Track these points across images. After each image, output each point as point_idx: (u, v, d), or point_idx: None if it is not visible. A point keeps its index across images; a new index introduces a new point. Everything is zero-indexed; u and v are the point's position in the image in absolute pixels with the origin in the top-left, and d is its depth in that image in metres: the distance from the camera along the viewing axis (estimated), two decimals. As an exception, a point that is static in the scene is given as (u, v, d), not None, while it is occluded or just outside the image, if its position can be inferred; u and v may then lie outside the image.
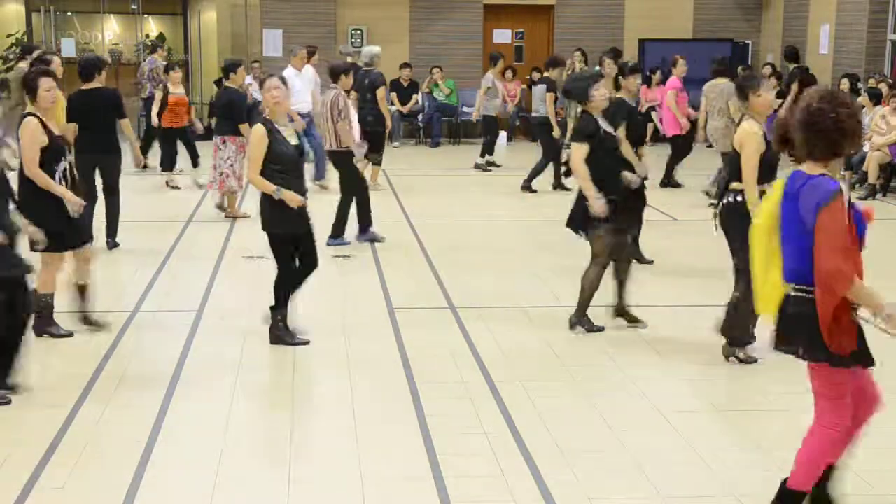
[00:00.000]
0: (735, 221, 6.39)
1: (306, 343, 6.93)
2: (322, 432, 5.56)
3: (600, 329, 7.24)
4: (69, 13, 23.64)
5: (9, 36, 22.81)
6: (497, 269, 9.22)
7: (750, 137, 6.37)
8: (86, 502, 4.72)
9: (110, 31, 24.00)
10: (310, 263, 6.99)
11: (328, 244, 9.89)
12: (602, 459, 5.21)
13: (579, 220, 7.20)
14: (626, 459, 5.20)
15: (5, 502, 4.65)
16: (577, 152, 7.05)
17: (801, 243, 4.10)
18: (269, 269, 9.21)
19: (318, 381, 6.34)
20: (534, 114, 13.86)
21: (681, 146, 13.94)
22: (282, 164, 6.71)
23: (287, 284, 6.94)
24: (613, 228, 7.10)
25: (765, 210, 4.40)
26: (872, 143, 13.51)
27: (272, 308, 6.95)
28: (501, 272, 9.11)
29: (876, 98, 13.98)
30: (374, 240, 10.19)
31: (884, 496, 4.86)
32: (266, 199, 6.78)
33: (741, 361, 6.58)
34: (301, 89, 13.22)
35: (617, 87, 9.30)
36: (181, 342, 7.00)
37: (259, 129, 6.73)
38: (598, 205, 6.96)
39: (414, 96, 18.21)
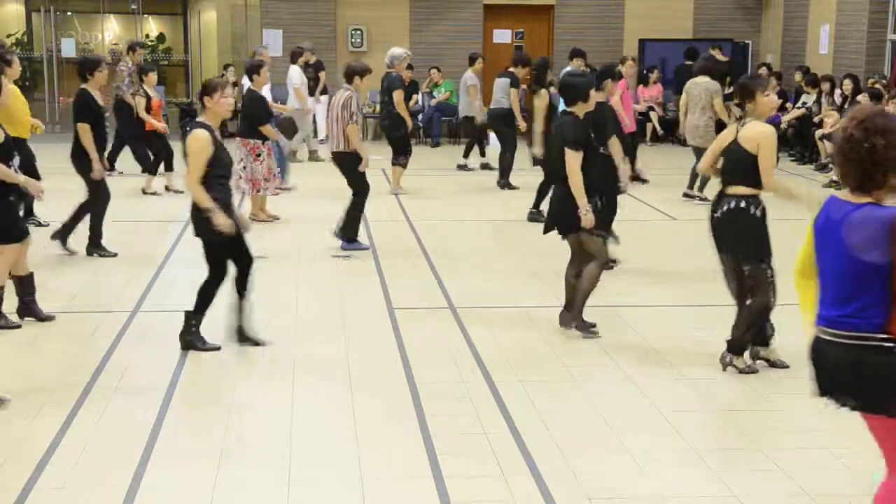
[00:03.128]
0: (740, 227, 6.28)
1: (217, 348, 6.80)
2: (322, 432, 5.56)
3: (594, 330, 7.19)
4: (69, 13, 23.65)
5: (9, 36, 22.82)
6: (497, 269, 9.22)
7: (769, 139, 6.23)
8: (86, 502, 4.72)
9: (110, 31, 24.02)
10: (247, 262, 6.86)
11: (343, 248, 9.85)
12: (602, 459, 5.21)
13: (568, 223, 7.13)
14: (626, 459, 5.19)
15: (5, 502, 4.65)
16: (574, 160, 6.91)
17: (848, 282, 3.70)
18: (269, 269, 9.24)
19: (318, 381, 6.34)
20: (493, 105, 13.90)
21: (628, 144, 14.00)
22: (223, 172, 6.65)
23: (215, 289, 6.81)
24: (597, 233, 7.08)
25: (801, 253, 4.07)
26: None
27: (190, 313, 6.82)
28: (502, 272, 9.11)
29: (876, 98, 13.98)
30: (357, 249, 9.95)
31: (884, 496, 4.85)
32: (197, 206, 6.65)
33: (740, 371, 6.42)
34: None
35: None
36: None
37: (204, 134, 6.56)
38: (589, 218, 6.94)
39: (414, 96, 18.20)
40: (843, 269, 3.72)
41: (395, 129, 12.72)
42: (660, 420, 5.72)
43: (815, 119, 16.22)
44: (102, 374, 6.36)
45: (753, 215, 6.33)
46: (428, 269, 9.25)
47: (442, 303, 8.11)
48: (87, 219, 9.51)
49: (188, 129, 6.69)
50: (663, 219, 11.91)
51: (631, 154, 13.96)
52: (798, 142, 16.82)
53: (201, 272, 8.96)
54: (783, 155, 17.11)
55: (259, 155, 10.97)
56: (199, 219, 6.64)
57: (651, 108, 18.64)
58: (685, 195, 12.84)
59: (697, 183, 12.76)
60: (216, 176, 6.59)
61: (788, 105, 17.45)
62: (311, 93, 17.80)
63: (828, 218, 3.81)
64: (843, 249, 3.71)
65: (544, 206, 11.08)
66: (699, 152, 12.52)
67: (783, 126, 17.10)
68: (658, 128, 18.43)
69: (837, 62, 17.26)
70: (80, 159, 9.37)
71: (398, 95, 12.51)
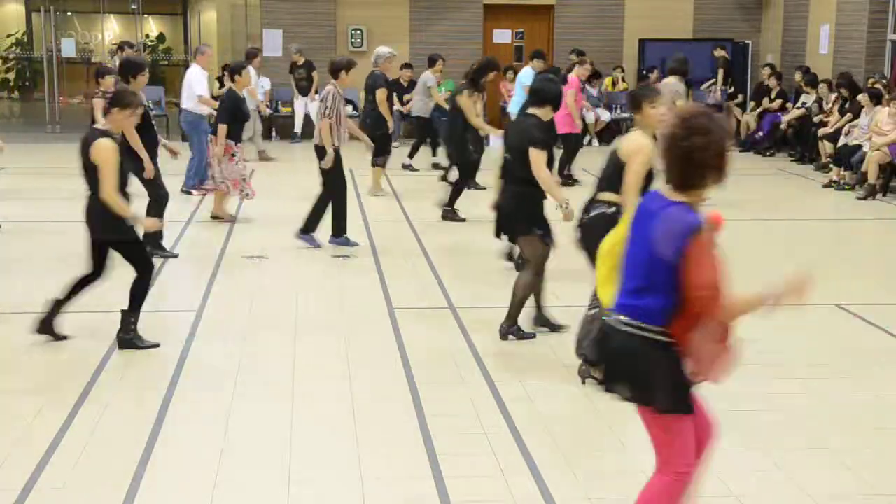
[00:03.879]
0: (604, 234, 6.15)
1: (157, 345, 6.85)
2: (322, 432, 5.56)
3: (532, 336, 7.16)
4: (69, 13, 23.66)
5: (9, 36, 22.85)
6: (497, 269, 9.21)
7: (642, 150, 6.08)
8: (86, 502, 4.72)
9: (110, 31, 24.04)
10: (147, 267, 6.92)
11: (297, 237, 9.96)
12: (602, 459, 5.21)
13: (513, 225, 7.08)
14: (626, 459, 5.19)
15: (5, 502, 4.65)
16: (541, 159, 6.81)
17: (644, 273, 3.73)
18: (270, 268, 9.25)
19: (318, 381, 6.34)
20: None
21: (573, 144, 13.97)
22: (123, 178, 6.67)
23: (148, 284, 6.87)
24: (544, 235, 7.01)
25: (619, 232, 4.15)
26: (872, 143, 13.52)
27: (127, 312, 6.84)
28: (501, 272, 9.10)
29: (876, 98, 13.99)
30: (345, 244, 10.01)
31: (886, 496, 4.86)
32: (105, 208, 6.61)
33: (600, 382, 6.31)
34: (207, 89, 13.07)
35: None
36: (181, 342, 7.00)
37: (112, 144, 6.58)
38: (570, 210, 6.85)
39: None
40: (643, 261, 3.75)
41: (376, 127, 12.62)
42: (660, 420, 5.72)
43: (815, 119, 16.22)
44: (102, 374, 6.36)
45: (612, 216, 6.12)
46: (428, 269, 9.25)
47: (442, 303, 8.11)
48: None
49: (90, 137, 6.65)
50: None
51: (571, 154, 14.01)
52: (798, 142, 16.82)
53: (200, 272, 9.00)
54: (783, 155, 17.13)
55: (234, 155, 10.91)
56: (106, 222, 6.65)
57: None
58: None
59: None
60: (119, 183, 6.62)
61: (789, 105, 17.46)
62: (305, 93, 17.98)
63: (645, 209, 3.83)
64: (648, 242, 3.73)
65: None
66: None
67: (783, 126, 17.13)
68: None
69: (837, 62, 17.25)
70: (134, 161, 9.37)
71: (381, 94, 12.46)
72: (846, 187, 13.92)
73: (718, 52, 18.91)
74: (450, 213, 11.61)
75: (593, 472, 5.04)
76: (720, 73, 18.85)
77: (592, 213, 6.34)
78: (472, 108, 11.55)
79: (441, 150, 15.65)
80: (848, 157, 14.01)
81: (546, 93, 7.00)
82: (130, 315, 6.86)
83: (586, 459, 5.19)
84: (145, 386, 6.22)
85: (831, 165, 14.60)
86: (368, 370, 6.52)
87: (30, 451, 5.17)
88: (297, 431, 5.51)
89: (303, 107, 18.18)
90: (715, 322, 3.65)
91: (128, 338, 6.83)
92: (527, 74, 13.75)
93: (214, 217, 11.29)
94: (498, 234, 7.32)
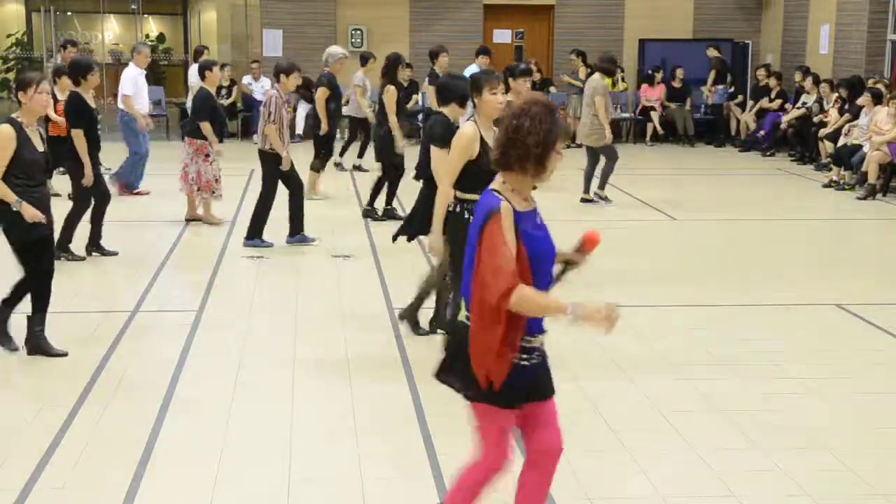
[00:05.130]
0: (448, 228, 6.18)
1: (64, 354, 6.66)
2: (322, 432, 5.56)
3: (426, 333, 7.15)
4: (69, 13, 23.64)
5: (9, 36, 22.84)
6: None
7: (459, 139, 6.06)
8: (86, 502, 4.72)
9: (110, 31, 24.02)
10: (48, 269, 6.69)
11: (244, 245, 9.91)
12: (602, 459, 5.21)
13: (419, 225, 6.99)
14: (626, 459, 5.19)
15: (5, 502, 4.65)
16: (441, 159, 6.61)
17: (468, 265, 3.75)
18: (269, 269, 9.24)
19: (318, 381, 6.34)
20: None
21: None
22: (25, 171, 6.43)
23: (48, 285, 6.63)
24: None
25: None
26: (872, 142, 13.52)
27: (31, 316, 6.65)
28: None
29: (876, 98, 13.98)
30: (302, 241, 10.05)
31: (886, 496, 4.85)
32: (6, 205, 6.40)
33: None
34: (143, 88, 12.94)
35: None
36: (181, 342, 7.00)
37: (7, 130, 6.37)
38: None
39: (414, 96, 18.22)
40: (471, 253, 3.74)
41: (317, 127, 12.43)
42: (660, 420, 5.72)
43: (815, 119, 16.22)
44: (102, 374, 6.36)
45: (454, 213, 6.17)
46: (428, 268, 9.23)
47: (442, 303, 8.09)
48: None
49: None
50: (663, 219, 11.90)
51: None
52: (798, 142, 16.82)
53: (200, 272, 8.99)
54: (783, 155, 17.12)
55: (208, 155, 10.84)
56: (6, 218, 6.48)
57: (652, 108, 18.64)
58: (583, 200, 12.53)
59: (597, 184, 12.57)
60: (16, 175, 6.40)
61: (788, 105, 17.46)
62: (308, 99, 17.99)
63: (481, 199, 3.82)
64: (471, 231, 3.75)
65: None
66: (591, 151, 12.49)
67: (783, 126, 17.12)
68: (658, 128, 18.44)
69: (837, 62, 17.26)
70: (72, 163, 9.29)
71: (321, 93, 12.23)
72: (846, 187, 13.92)
73: (711, 52, 18.91)
74: (370, 213, 11.49)
75: (593, 472, 5.04)
76: (712, 73, 18.86)
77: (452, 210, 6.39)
78: (393, 105, 11.44)
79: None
80: (848, 157, 14.01)
81: (447, 90, 6.88)
82: (33, 318, 6.64)
83: (586, 459, 5.19)
84: (145, 386, 6.21)
85: (831, 165, 14.60)
86: (368, 370, 6.52)
87: (30, 451, 5.17)
88: (297, 431, 5.51)
89: (304, 108, 18.26)
90: (494, 311, 3.62)
91: (34, 343, 6.64)
92: (471, 71, 13.72)
93: (190, 220, 11.17)
94: (409, 237, 7.32)
